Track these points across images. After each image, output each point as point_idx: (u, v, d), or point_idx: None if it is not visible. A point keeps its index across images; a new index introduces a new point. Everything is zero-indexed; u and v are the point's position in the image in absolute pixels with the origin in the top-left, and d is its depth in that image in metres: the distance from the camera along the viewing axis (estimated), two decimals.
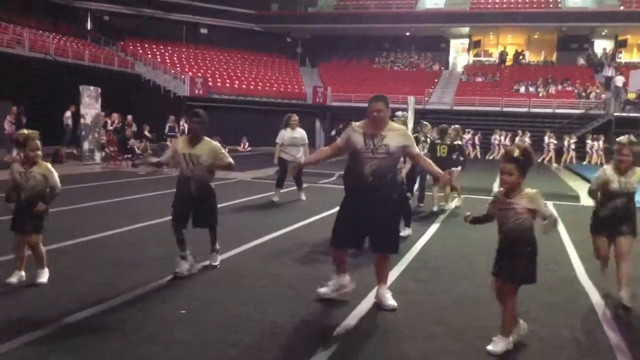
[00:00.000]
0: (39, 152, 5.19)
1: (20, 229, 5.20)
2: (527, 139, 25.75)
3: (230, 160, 5.85)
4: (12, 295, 4.92)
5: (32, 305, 4.67)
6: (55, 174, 5.30)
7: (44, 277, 5.25)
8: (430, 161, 5.36)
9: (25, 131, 5.26)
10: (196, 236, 6.00)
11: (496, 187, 14.66)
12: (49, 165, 5.32)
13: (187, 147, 5.69)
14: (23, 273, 5.25)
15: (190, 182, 5.69)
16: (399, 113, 8.71)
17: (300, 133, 11.45)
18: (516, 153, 3.97)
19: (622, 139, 5.25)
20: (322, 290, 5.11)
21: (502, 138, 27.82)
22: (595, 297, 5.55)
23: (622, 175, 5.23)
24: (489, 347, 4.03)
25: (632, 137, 5.26)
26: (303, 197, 11.41)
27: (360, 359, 3.92)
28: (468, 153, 27.43)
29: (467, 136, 28.28)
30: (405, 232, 8.20)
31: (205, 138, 5.78)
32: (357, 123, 5.00)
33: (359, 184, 4.87)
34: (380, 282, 5.05)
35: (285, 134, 11.40)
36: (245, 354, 3.89)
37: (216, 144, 5.85)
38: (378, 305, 4.95)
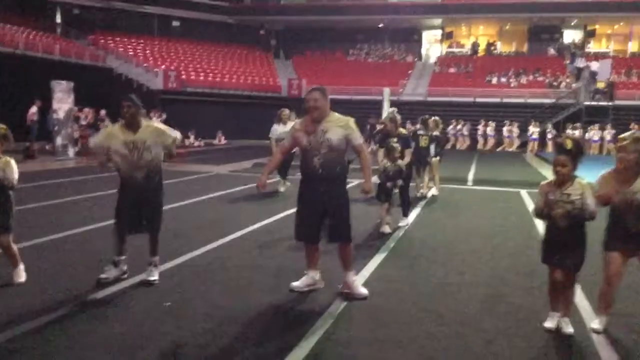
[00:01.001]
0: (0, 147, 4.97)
1: None
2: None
3: (176, 134, 5.43)
4: None
5: (13, 303, 4.63)
6: (14, 169, 5.03)
7: (22, 276, 5.15)
8: (369, 162, 5.07)
9: None
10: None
11: (470, 176, 14.89)
12: (11, 160, 5.05)
13: (127, 135, 5.15)
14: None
15: (136, 175, 5.18)
16: (389, 109, 8.88)
17: None
18: (569, 145, 4.11)
19: (627, 135, 4.33)
20: (295, 284, 5.16)
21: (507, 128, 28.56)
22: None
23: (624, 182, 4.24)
24: (569, 330, 4.21)
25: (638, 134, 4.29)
26: (282, 189, 11.44)
27: (346, 345, 3.98)
28: (453, 143, 28.22)
29: (459, 127, 29.10)
30: (403, 221, 8.33)
31: (144, 121, 5.27)
32: (298, 121, 5.11)
33: (310, 175, 4.95)
34: (345, 269, 5.09)
35: (278, 129, 11.50)
36: (230, 345, 3.93)
37: (158, 123, 5.56)
38: (347, 295, 4.96)
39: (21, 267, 5.20)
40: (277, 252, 6.57)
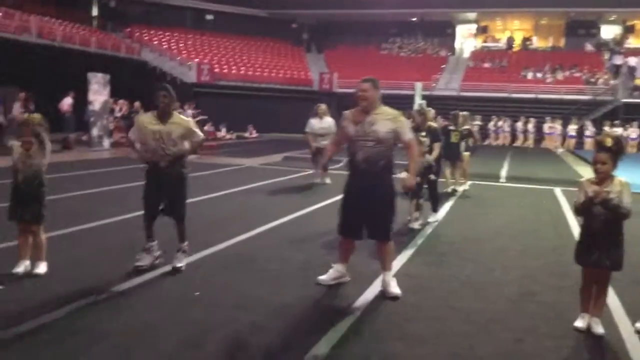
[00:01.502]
0: (40, 136, 5.06)
1: (19, 217, 5.10)
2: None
3: (201, 135, 5.52)
4: (22, 282, 5.00)
5: (45, 290, 4.75)
6: (48, 150, 5.13)
7: (42, 268, 5.13)
8: (417, 158, 5.10)
9: (26, 115, 5.25)
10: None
11: (503, 173, 14.69)
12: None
13: (156, 124, 5.27)
14: (28, 262, 5.16)
15: (160, 163, 5.28)
16: (419, 103, 8.77)
17: (328, 122, 11.66)
18: (609, 143, 4.08)
19: None
20: (322, 277, 5.14)
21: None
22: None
23: None
24: (600, 331, 4.17)
25: None
26: (327, 181, 11.54)
27: (371, 338, 3.99)
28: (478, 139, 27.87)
29: (500, 123, 28.72)
30: (432, 217, 8.26)
31: (175, 113, 5.41)
32: (348, 111, 5.01)
33: (354, 169, 4.92)
34: (383, 269, 5.03)
35: (314, 123, 11.57)
36: (258, 334, 3.97)
37: (187, 118, 5.58)
38: (383, 293, 4.94)
39: (44, 262, 5.18)
40: (305, 245, 6.60)
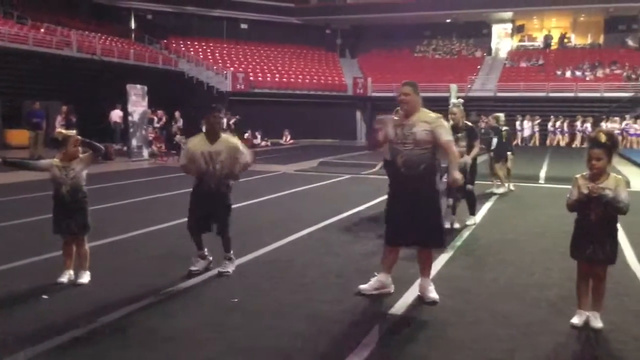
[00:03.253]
0: (80, 148, 5.25)
1: (65, 230, 5.22)
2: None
3: (248, 159, 5.67)
4: (66, 291, 5.15)
5: (90, 298, 4.88)
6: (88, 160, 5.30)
7: (85, 278, 5.24)
8: (456, 158, 5.01)
9: (63, 131, 5.44)
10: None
11: (542, 174, 14.43)
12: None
13: (205, 145, 5.46)
14: (72, 272, 5.27)
15: (210, 182, 5.48)
16: (455, 100, 8.57)
17: None
18: (604, 138, 4.12)
19: None
20: (363, 286, 5.07)
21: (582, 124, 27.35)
22: None
23: None
24: (599, 325, 4.18)
25: None
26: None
27: (409, 344, 3.98)
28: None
29: (558, 123, 28.14)
30: (470, 220, 8.17)
31: (223, 134, 5.62)
32: (383, 116, 5.04)
33: (395, 175, 4.90)
34: (422, 275, 4.97)
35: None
36: (297, 341, 4.00)
37: (235, 140, 5.71)
38: (421, 298, 4.90)
39: (87, 272, 5.29)
40: (342, 250, 6.61)
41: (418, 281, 5.04)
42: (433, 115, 4.82)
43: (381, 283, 5.05)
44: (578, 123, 28.03)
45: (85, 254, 5.33)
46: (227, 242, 5.64)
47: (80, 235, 5.30)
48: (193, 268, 5.57)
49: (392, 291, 5.05)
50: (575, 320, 4.31)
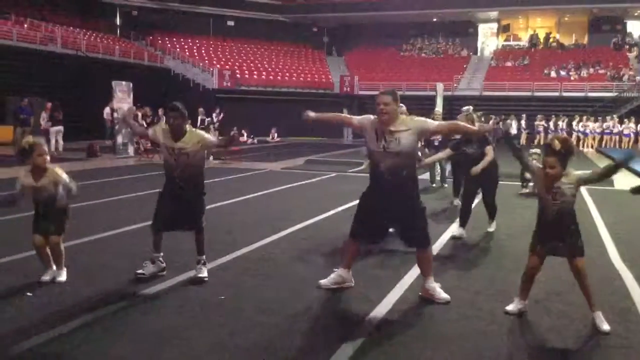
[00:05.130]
0: (47, 157, 5.03)
1: (42, 230, 5.07)
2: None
3: (212, 139, 5.53)
4: (49, 289, 5.09)
5: (68, 297, 4.83)
6: (65, 176, 5.11)
7: (63, 276, 5.15)
8: (462, 123, 5.16)
9: (30, 138, 5.15)
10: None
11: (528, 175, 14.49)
12: (57, 169, 5.12)
13: (169, 141, 5.23)
14: (54, 269, 5.18)
15: (174, 176, 5.27)
16: (465, 108, 8.24)
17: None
18: (558, 146, 4.13)
19: None
20: (322, 281, 5.11)
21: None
22: (628, 279, 5.53)
23: None
24: (605, 328, 4.17)
25: None
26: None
27: (396, 340, 3.98)
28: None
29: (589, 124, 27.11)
30: (491, 227, 7.72)
31: (188, 129, 5.28)
32: (374, 117, 4.87)
33: (377, 179, 4.86)
34: (424, 276, 4.94)
35: None
36: (281, 338, 3.99)
37: (199, 132, 5.42)
38: (428, 300, 4.82)
39: (64, 269, 5.19)
40: (328, 248, 6.60)
41: (407, 275, 5.06)
42: (413, 122, 4.77)
43: (341, 278, 5.10)
44: (559, 123, 28.02)
45: (62, 252, 5.19)
46: (199, 244, 5.38)
47: (54, 235, 5.10)
48: (139, 271, 5.28)
49: (352, 285, 5.10)
50: (510, 307, 4.49)
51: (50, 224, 5.08)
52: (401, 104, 5.02)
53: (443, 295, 4.83)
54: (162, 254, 5.42)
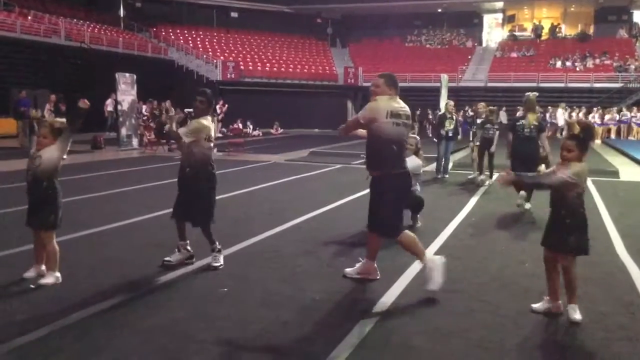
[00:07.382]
0: (52, 135, 4.84)
1: (31, 224, 4.88)
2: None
3: (183, 138, 5.27)
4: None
5: (79, 288, 4.84)
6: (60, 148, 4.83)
7: (49, 278, 4.79)
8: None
9: (47, 116, 5.14)
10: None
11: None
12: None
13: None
14: (43, 267, 4.93)
15: (184, 167, 5.37)
16: (528, 93, 8.63)
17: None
18: (577, 130, 4.13)
19: None
20: (347, 270, 5.17)
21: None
22: (634, 271, 5.50)
23: None
24: (577, 317, 4.13)
25: None
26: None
27: (399, 333, 3.97)
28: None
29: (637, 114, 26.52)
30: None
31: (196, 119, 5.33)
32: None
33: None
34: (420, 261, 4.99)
35: None
36: (285, 330, 3.98)
37: (196, 122, 5.32)
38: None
39: (56, 273, 4.85)
40: (331, 240, 6.59)
41: (411, 267, 5.12)
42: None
43: (365, 269, 5.13)
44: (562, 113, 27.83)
45: (51, 253, 4.86)
46: (207, 235, 5.42)
47: (42, 230, 4.85)
48: (166, 258, 5.39)
49: (378, 277, 5.10)
50: (537, 305, 4.37)
51: (36, 218, 4.82)
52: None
53: (438, 278, 4.70)
54: (188, 241, 5.51)
